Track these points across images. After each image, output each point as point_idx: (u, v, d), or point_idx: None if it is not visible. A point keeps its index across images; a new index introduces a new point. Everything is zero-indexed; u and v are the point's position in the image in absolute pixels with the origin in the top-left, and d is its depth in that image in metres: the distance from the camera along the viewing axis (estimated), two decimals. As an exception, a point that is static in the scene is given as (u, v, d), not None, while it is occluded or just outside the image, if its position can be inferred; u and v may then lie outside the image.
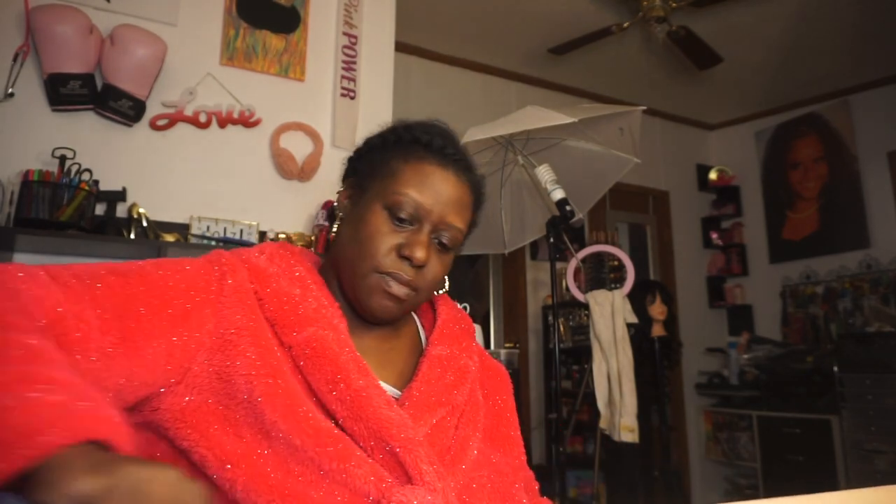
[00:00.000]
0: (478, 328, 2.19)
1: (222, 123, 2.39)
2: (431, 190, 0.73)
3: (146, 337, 0.59)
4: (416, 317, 0.88)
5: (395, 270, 0.71)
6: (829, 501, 0.33)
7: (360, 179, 0.78)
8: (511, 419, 0.86)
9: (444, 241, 0.75)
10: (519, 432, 0.86)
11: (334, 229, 0.78)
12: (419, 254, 0.71)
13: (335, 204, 0.80)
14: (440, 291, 0.86)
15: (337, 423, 0.64)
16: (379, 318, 0.74)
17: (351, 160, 0.82)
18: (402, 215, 0.72)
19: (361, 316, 0.76)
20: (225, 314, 0.65)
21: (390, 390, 0.73)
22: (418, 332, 0.85)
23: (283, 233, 2.24)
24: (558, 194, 2.10)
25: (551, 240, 2.16)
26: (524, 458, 0.85)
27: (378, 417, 0.63)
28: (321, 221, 2.26)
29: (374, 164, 0.77)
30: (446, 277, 0.83)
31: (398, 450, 0.62)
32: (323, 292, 0.73)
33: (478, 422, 0.77)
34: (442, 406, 0.72)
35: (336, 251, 0.77)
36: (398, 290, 0.72)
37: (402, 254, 0.71)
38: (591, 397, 2.76)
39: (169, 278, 0.64)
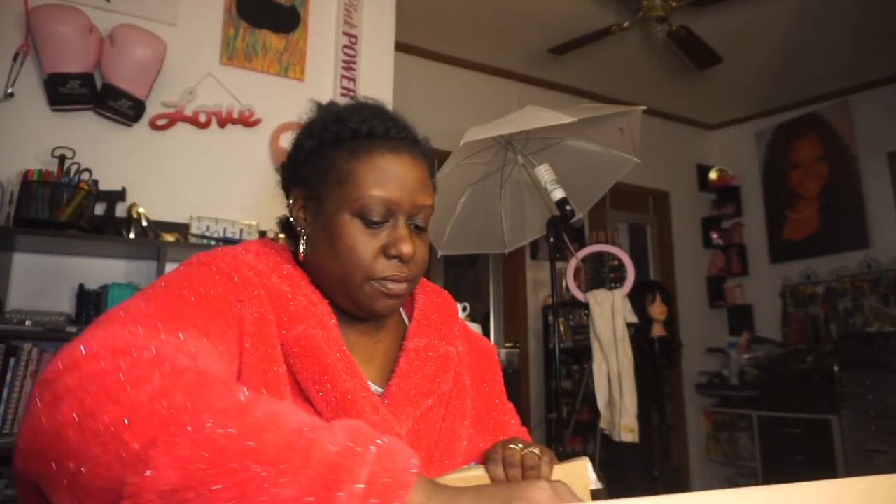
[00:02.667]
0: (477, 327, 2.19)
1: (222, 123, 2.39)
2: (394, 181, 0.70)
3: (222, 341, 0.61)
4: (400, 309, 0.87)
5: (389, 273, 0.70)
6: (827, 489, 0.33)
7: (311, 189, 0.74)
8: (501, 406, 0.86)
9: (419, 223, 0.73)
10: (508, 415, 0.86)
11: (301, 247, 0.76)
12: (406, 249, 0.70)
13: (291, 219, 0.77)
14: None
15: None
16: (383, 316, 0.75)
17: (287, 167, 0.79)
18: (375, 218, 0.70)
19: (355, 314, 0.75)
20: (243, 311, 0.66)
21: (373, 388, 0.72)
22: (404, 323, 0.84)
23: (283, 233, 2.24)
24: (558, 194, 2.10)
25: (551, 240, 2.16)
26: (517, 423, 0.86)
27: (363, 419, 0.63)
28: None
29: (320, 169, 0.73)
30: None
31: None
32: (310, 289, 0.73)
33: (465, 409, 0.78)
34: (424, 398, 0.72)
35: (315, 266, 0.74)
36: (397, 288, 0.71)
37: (388, 254, 0.70)
38: (591, 397, 2.76)
39: (193, 293, 0.63)
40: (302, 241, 0.76)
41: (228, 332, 0.62)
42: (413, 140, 0.75)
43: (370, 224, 0.70)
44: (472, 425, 0.79)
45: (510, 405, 0.89)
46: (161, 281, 0.65)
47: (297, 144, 0.77)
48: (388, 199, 0.70)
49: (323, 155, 0.73)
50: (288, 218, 0.78)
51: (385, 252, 0.70)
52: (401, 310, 0.86)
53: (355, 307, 0.73)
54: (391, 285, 0.71)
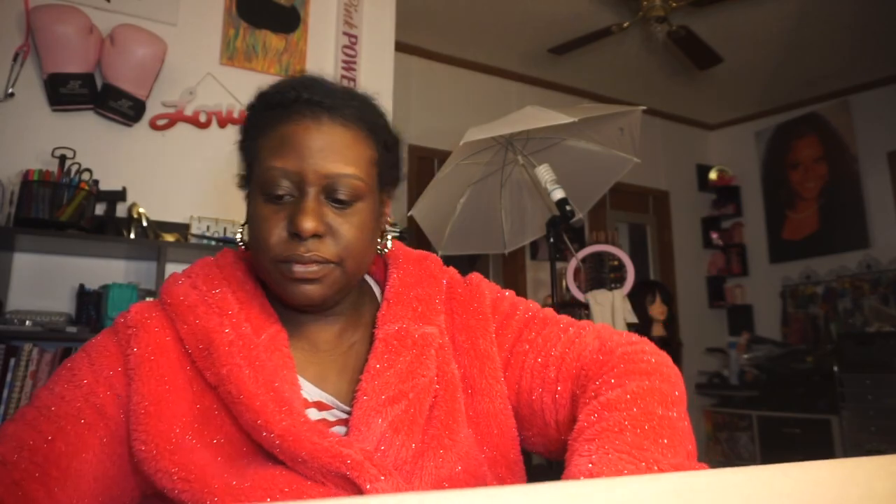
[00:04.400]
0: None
1: (222, 123, 2.39)
2: (294, 150, 0.62)
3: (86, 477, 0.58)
4: (377, 291, 0.78)
5: (291, 253, 0.62)
6: (823, 468, 0.33)
7: (247, 182, 0.70)
8: (492, 370, 0.70)
9: (341, 196, 0.63)
10: (501, 379, 0.70)
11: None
12: (304, 224, 0.60)
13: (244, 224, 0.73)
14: (385, 250, 0.73)
15: (282, 462, 0.59)
16: (306, 306, 0.66)
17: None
18: (277, 192, 0.63)
19: (294, 309, 0.68)
20: (136, 389, 0.60)
21: (337, 406, 0.66)
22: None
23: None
24: (558, 194, 2.10)
25: (551, 240, 2.16)
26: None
27: (314, 452, 0.57)
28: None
29: (247, 161, 0.70)
30: (389, 239, 0.73)
31: (348, 473, 0.56)
32: (250, 308, 0.66)
33: (455, 399, 0.66)
34: (397, 401, 0.62)
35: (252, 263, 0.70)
36: (303, 270, 0.62)
37: (291, 232, 0.62)
38: (591, 397, 2.75)
39: (62, 406, 0.60)
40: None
41: (96, 434, 0.60)
42: (332, 106, 0.64)
43: (272, 200, 0.63)
44: (469, 406, 0.68)
45: (533, 316, 0.73)
46: (61, 368, 0.64)
47: (239, 141, 0.73)
48: (285, 169, 0.62)
49: (247, 143, 0.69)
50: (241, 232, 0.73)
51: (288, 230, 0.62)
52: (376, 290, 0.77)
53: (282, 299, 0.66)
54: (296, 268, 0.62)
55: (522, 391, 0.69)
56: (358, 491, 0.57)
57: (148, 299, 0.76)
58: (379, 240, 0.72)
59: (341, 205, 0.64)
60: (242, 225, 0.71)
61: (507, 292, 0.78)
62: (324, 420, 0.65)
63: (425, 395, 0.64)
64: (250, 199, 0.67)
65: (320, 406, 0.66)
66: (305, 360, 0.68)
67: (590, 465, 0.52)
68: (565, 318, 0.74)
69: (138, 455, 0.58)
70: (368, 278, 0.79)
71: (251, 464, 0.60)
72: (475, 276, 0.78)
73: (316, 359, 0.69)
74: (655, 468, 0.51)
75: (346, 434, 0.62)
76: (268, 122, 0.66)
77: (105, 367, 0.63)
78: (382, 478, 0.56)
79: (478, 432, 0.68)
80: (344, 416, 0.66)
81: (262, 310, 0.68)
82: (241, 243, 0.72)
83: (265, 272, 0.65)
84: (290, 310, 0.69)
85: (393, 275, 0.73)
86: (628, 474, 0.51)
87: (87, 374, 0.62)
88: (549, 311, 0.76)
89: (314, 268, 0.62)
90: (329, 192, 0.63)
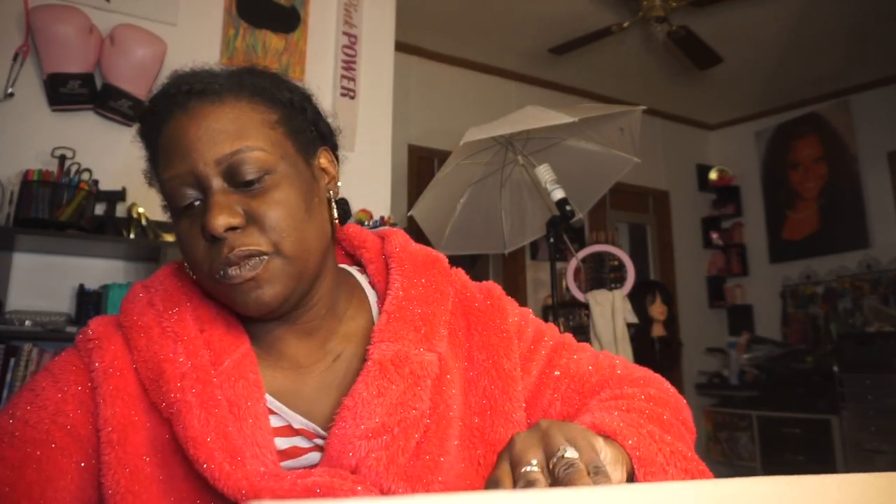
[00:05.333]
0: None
1: (222, 123, 2.39)
2: (176, 151, 0.55)
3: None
4: (370, 298, 0.68)
5: (216, 260, 0.54)
6: (828, 484, 0.32)
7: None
8: (515, 394, 0.63)
9: (246, 176, 0.54)
10: (522, 405, 0.63)
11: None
12: (212, 223, 0.52)
13: None
14: (340, 222, 0.65)
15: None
16: (266, 314, 0.57)
17: None
18: (182, 203, 0.56)
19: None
20: (100, 412, 0.55)
21: (316, 432, 0.58)
22: (372, 318, 0.66)
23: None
24: (558, 194, 2.10)
25: (551, 240, 2.16)
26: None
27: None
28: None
29: (153, 185, 0.63)
30: (334, 217, 0.63)
31: None
32: (213, 329, 0.59)
33: (447, 435, 0.58)
34: (379, 434, 0.54)
35: None
36: (240, 273, 0.54)
37: (206, 239, 0.55)
38: (591, 397, 2.76)
39: (28, 430, 0.54)
40: None
41: (71, 456, 0.54)
42: (204, 90, 0.56)
43: (184, 214, 0.56)
44: (461, 443, 0.60)
45: (550, 342, 0.68)
46: (22, 390, 0.58)
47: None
48: (177, 174, 0.55)
49: (147, 173, 0.64)
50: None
51: (204, 238, 0.55)
52: (371, 297, 0.68)
53: (242, 314, 0.59)
54: (231, 273, 0.54)
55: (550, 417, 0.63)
56: None
57: (108, 314, 0.70)
58: (327, 211, 0.62)
59: (250, 186, 0.55)
60: None
61: (529, 312, 0.73)
62: (294, 447, 0.58)
63: (412, 431, 0.55)
64: (172, 221, 0.60)
65: (289, 432, 0.59)
66: (282, 379, 0.61)
67: (590, 418, 0.53)
68: (588, 346, 0.72)
69: (103, 486, 0.53)
70: (360, 277, 0.70)
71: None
72: (496, 290, 0.71)
73: (294, 376, 0.61)
74: (656, 436, 0.53)
75: (319, 463, 0.56)
76: (152, 131, 0.59)
77: (71, 382, 0.57)
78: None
79: (487, 459, 0.60)
80: (320, 441, 0.58)
81: (229, 329, 0.60)
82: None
83: (213, 294, 0.58)
84: (260, 323, 0.61)
85: (395, 283, 0.63)
86: (626, 431, 0.51)
87: (52, 394, 0.56)
88: (569, 336, 0.72)
89: (247, 267, 0.54)
90: (231, 178, 0.55)
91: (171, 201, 0.57)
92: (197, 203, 0.56)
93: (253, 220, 0.55)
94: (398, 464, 0.54)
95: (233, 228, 0.54)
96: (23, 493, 0.50)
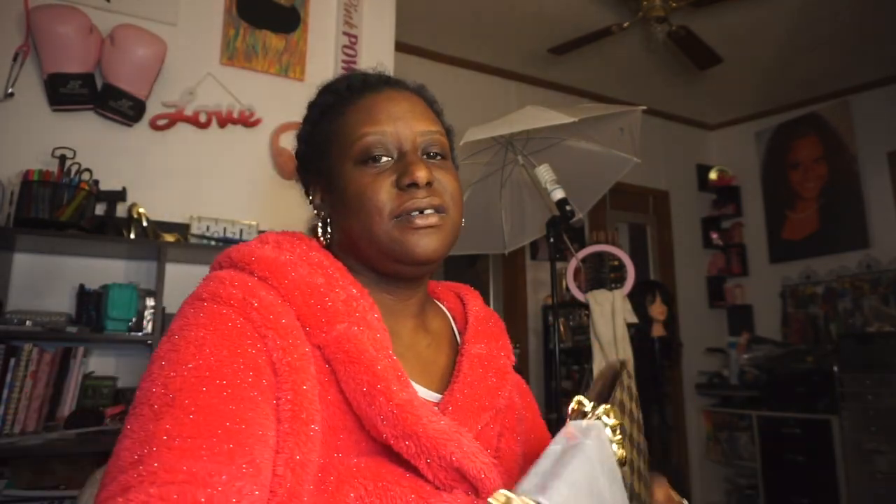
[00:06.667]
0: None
1: (222, 123, 2.39)
2: (383, 114, 0.66)
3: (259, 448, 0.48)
4: (445, 310, 0.79)
5: (408, 204, 0.62)
6: None
7: (320, 170, 0.70)
8: (539, 435, 0.78)
9: (433, 150, 0.67)
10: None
11: (328, 233, 0.70)
12: (420, 173, 0.62)
13: (316, 213, 0.72)
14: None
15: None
16: (424, 258, 0.63)
17: (299, 167, 0.75)
18: (375, 153, 0.64)
19: (400, 275, 0.66)
20: (269, 347, 0.54)
21: (427, 394, 0.64)
22: (451, 327, 0.76)
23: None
24: (558, 194, 2.10)
25: (551, 240, 2.16)
26: None
27: (429, 433, 0.54)
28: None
29: (320, 146, 0.70)
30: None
31: (459, 463, 0.54)
32: (348, 279, 0.63)
33: (517, 427, 0.71)
34: (486, 411, 0.64)
35: (343, 242, 0.68)
36: (424, 220, 0.63)
37: (402, 186, 0.62)
38: (591, 397, 2.75)
39: (216, 372, 0.50)
40: (328, 228, 0.69)
41: (267, 400, 0.51)
42: (400, 82, 0.72)
43: (373, 163, 0.64)
44: (522, 444, 0.71)
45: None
46: (167, 356, 0.51)
47: (298, 138, 0.74)
48: (381, 131, 0.65)
49: (318, 132, 0.70)
50: (317, 222, 0.71)
51: (399, 185, 0.63)
52: (448, 314, 0.78)
53: (394, 262, 0.64)
54: (417, 219, 0.62)
55: None
56: (468, 484, 0.55)
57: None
58: None
59: (435, 158, 0.67)
60: (318, 216, 0.70)
61: None
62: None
63: (498, 418, 0.68)
64: (336, 174, 0.66)
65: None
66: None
67: None
68: None
69: (282, 412, 0.52)
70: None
71: (350, 437, 0.57)
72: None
73: (398, 347, 0.65)
74: None
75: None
76: (350, 98, 0.69)
77: (236, 337, 0.54)
78: (491, 476, 0.56)
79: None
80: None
81: (353, 285, 0.64)
82: (321, 237, 0.69)
83: (373, 239, 0.63)
84: (376, 290, 0.67)
85: (473, 306, 0.77)
86: None
87: (236, 336, 0.53)
88: None
89: (433, 214, 0.63)
90: (424, 149, 0.66)
91: (363, 151, 0.64)
92: (384, 159, 0.65)
93: (437, 183, 0.65)
94: (494, 442, 0.66)
95: (429, 184, 0.63)
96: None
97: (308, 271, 0.61)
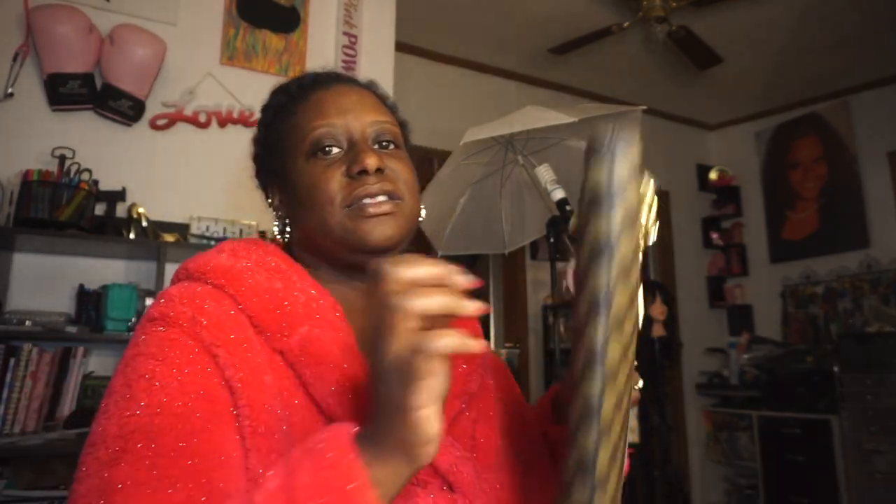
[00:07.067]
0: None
1: (222, 123, 2.39)
2: (332, 108, 0.67)
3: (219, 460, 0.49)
4: None
5: (358, 191, 0.62)
6: None
7: (275, 169, 0.70)
8: (521, 412, 0.77)
9: (384, 139, 0.68)
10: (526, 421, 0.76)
11: (287, 232, 0.70)
12: (369, 160, 0.62)
13: (278, 215, 0.71)
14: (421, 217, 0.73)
15: None
16: (379, 245, 0.63)
17: (256, 169, 0.75)
18: (325, 145, 0.65)
19: (355, 264, 0.65)
20: (220, 365, 0.53)
21: None
22: None
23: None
24: (558, 194, 2.10)
25: (551, 240, 2.16)
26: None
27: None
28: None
29: (273, 145, 0.70)
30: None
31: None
32: (308, 282, 0.63)
33: (491, 410, 0.70)
34: (457, 398, 0.64)
35: (301, 239, 0.68)
36: (377, 207, 0.63)
37: (352, 174, 0.63)
38: (591, 397, 2.75)
39: (168, 408, 0.50)
40: (286, 228, 0.70)
41: (227, 421, 0.51)
42: (351, 79, 0.73)
43: (323, 154, 0.65)
44: (500, 429, 0.71)
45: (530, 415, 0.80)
46: (120, 391, 0.51)
47: (254, 141, 0.75)
48: (331, 123, 0.66)
49: (272, 132, 0.71)
50: (276, 223, 0.71)
51: (349, 174, 0.63)
52: None
53: (349, 251, 0.64)
54: (369, 208, 0.62)
55: None
56: (441, 478, 0.58)
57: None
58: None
59: (388, 147, 0.68)
60: (277, 217, 0.71)
61: None
62: None
63: (475, 401, 0.68)
64: (289, 170, 0.67)
65: None
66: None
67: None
68: None
69: (243, 430, 0.52)
70: None
71: None
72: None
73: (363, 343, 0.65)
74: None
75: None
76: (301, 96, 0.69)
77: (186, 361, 0.53)
78: (464, 469, 0.58)
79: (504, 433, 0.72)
80: None
81: (313, 287, 0.64)
82: (278, 235, 0.70)
83: (328, 231, 0.63)
84: (339, 286, 0.66)
85: None
86: None
87: (185, 361, 0.53)
88: None
89: (385, 200, 0.63)
90: (375, 138, 0.67)
91: (314, 143, 0.65)
92: (335, 150, 0.65)
93: (389, 170, 0.65)
94: (470, 429, 0.66)
95: (379, 170, 0.64)
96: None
97: (265, 276, 0.60)
